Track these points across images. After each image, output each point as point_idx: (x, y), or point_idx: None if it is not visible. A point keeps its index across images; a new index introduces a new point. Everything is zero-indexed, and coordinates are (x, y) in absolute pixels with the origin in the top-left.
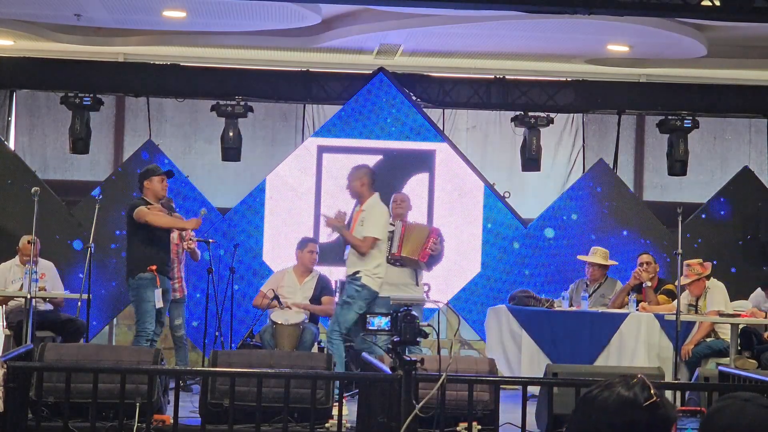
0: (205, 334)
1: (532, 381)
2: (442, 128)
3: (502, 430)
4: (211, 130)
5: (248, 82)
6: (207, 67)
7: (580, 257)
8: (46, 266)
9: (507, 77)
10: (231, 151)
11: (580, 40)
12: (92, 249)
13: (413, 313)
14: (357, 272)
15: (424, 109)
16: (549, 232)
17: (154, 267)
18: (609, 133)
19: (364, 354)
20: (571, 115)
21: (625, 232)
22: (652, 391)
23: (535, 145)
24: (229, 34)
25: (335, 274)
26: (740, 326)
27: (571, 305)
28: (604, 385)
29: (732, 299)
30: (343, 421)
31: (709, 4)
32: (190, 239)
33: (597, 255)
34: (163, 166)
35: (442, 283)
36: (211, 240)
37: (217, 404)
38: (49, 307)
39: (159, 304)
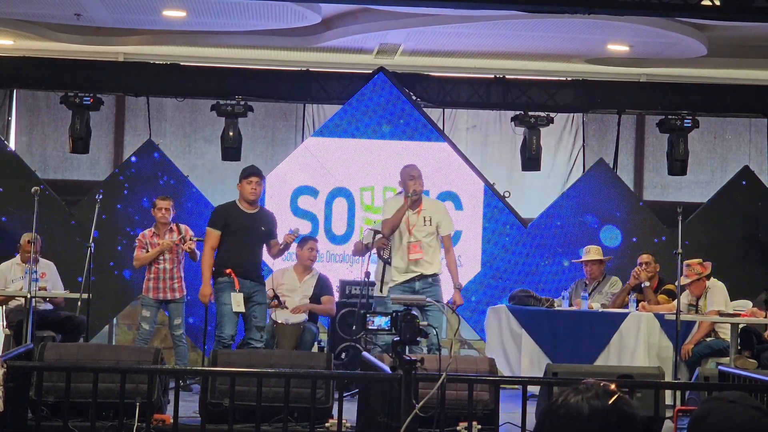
0: (204, 333)
1: (532, 381)
2: (442, 128)
3: (502, 429)
4: (211, 130)
5: (248, 82)
6: (207, 67)
7: (575, 261)
8: (46, 265)
9: (507, 77)
10: (231, 150)
11: (580, 40)
12: (92, 249)
13: (413, 312)
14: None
15: (424, 109)
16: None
17: (229, 270)
18: (609, 132)
19: (365, 354)
20: (571, 114)
21: (625, 232)
22: (612, 388)
23: (535, 145)
24: (228, 34)
25: (334, 273)
26: (740, 326)
27: (571, 305)
28: (565, 395)
29: (732, 299)
30: (343, 421)
31: (709, 4)
32: (191, 239)
33: (591, 252)
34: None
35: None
36: None
37: (217, 404)
38: (49, 306)
39: (237, 308)
